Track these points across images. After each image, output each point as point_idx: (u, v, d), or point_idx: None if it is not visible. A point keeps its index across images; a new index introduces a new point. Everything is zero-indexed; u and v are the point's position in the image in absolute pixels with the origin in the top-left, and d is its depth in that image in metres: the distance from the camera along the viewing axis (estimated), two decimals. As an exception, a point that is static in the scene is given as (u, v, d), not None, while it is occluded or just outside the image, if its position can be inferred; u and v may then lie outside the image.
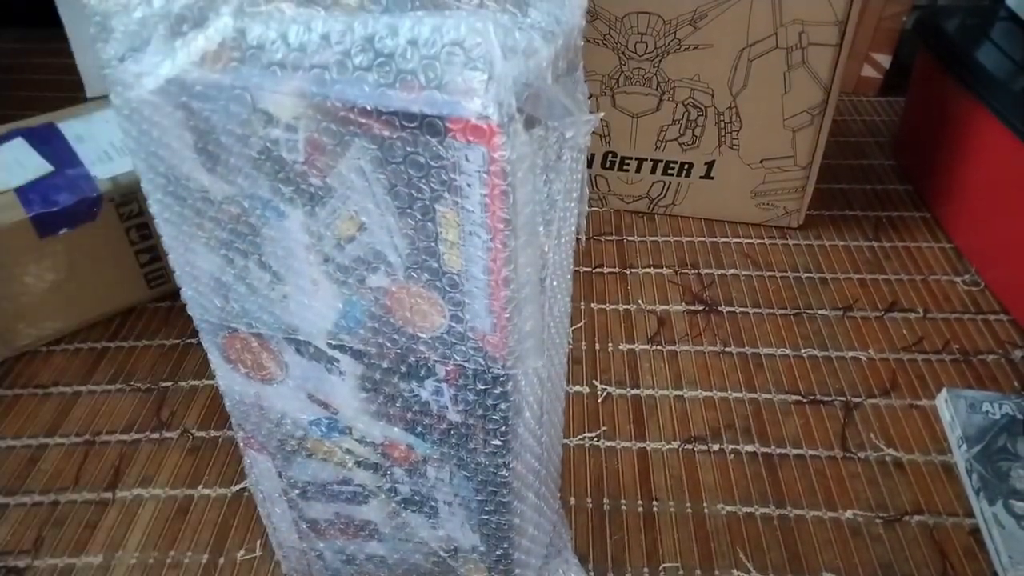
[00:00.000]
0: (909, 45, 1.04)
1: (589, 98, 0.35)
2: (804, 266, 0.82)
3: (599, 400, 0.67)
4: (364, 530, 0.47)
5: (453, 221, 0.32)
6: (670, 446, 0.63)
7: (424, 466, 0.42)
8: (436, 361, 0.37)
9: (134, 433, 0.65)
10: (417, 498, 0.44)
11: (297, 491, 0.46)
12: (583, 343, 0.73)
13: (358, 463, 0.43)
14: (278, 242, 0.35)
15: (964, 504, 0.59)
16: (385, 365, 0.38)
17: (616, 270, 0.81)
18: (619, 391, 0.68)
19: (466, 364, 0.36)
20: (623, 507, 0.59)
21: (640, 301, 0.77)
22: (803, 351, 0.72)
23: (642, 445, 0.64)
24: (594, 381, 0.69)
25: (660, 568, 0.55)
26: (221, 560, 0.56)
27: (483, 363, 0.36)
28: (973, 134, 0.79)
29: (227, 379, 0.42)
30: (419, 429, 0.40)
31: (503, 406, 0.38)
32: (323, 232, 0.34)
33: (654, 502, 0.59)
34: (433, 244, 0.33)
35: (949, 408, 0.64)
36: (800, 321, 0.75)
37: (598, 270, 0.81)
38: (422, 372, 0.38)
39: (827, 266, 0.81)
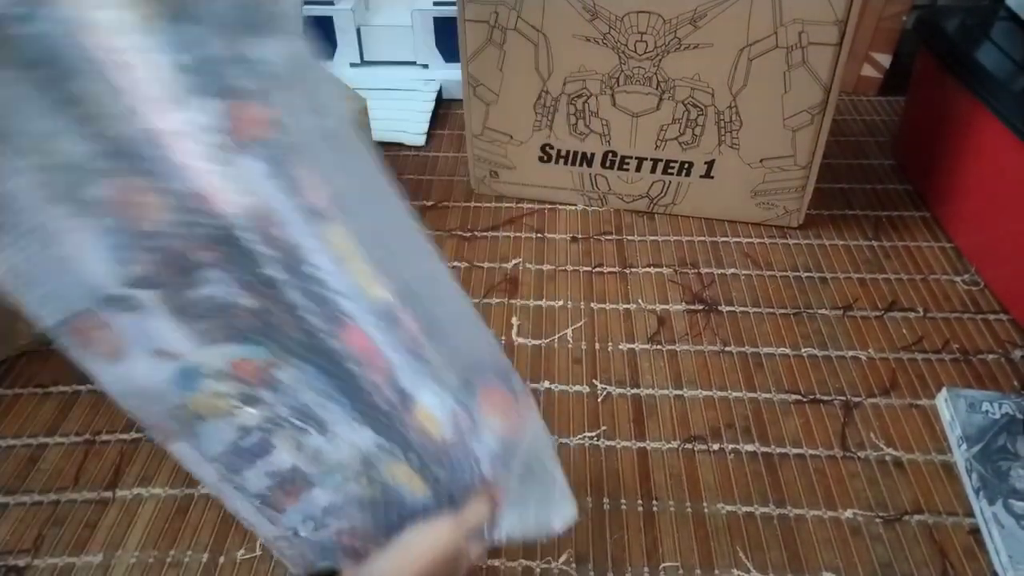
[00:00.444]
0: (909, 45, 1.04)
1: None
2: (804, 266, 0.82)
3: (599, 400, 0.67)
4: (296, 481, 0.45)
5: None
6: (670, 446, 0.63)
7: (273, 373, 0.40)
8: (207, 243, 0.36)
9: (134, 433, 0.65)
10: (298, 417, 0.42)
11: (224, 467, 0.44)
12: (583, 343, 0.73)
13: (232, 402, 0.41)
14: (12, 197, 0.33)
15: (964, 504, 0.59)
16: (172, 279, 0.37)
17: (616, 269, 0.81)
18: (619, 391, 0.68)
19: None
20: (623, 507, 0.59)
21: (640, 301, 0.77)
22: (803, 351, 0.72)
23: (642, 444, 0.64)
24: (594, 381, 0.69)
25: (660, 568, 0.55)
26: (221, 560, 0.56)
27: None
28: (973, 134, 0.79)
29: (100, 373, 0.40)
30: (240, 330, 0.38)
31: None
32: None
33: (654, 502, 0.59)
34: None
35: (949, 408, 0.64)
36: (800, 321, 0.75)
37: (598, 270, 0.81)
38: (206, 271, 0.36)
39: (827, 266, 0.81)
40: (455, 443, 0.41)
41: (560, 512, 0.44)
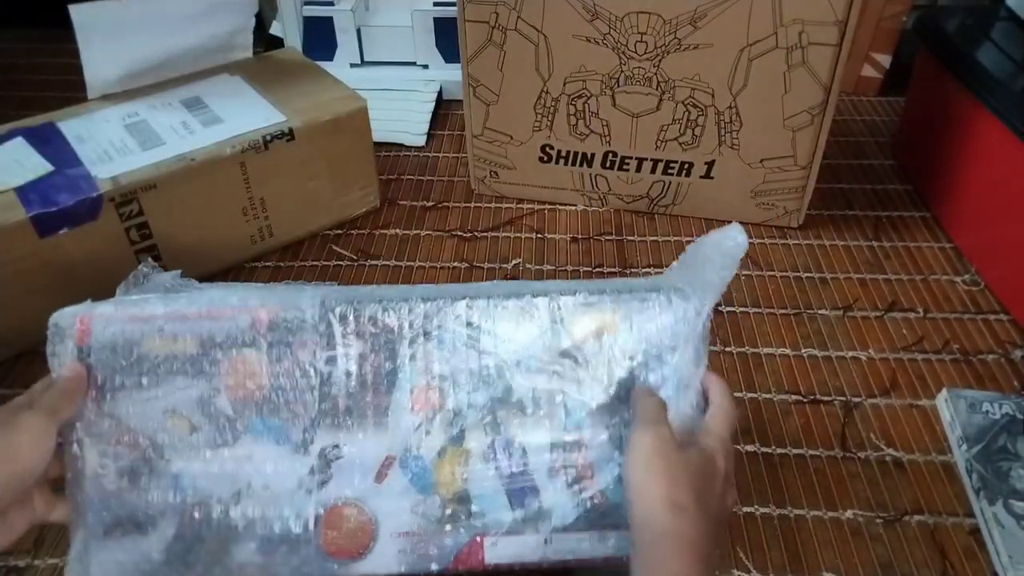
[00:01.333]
0: (909, 45, 1.04)
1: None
2: (804, 266, 0.82)
3: (599, 400, 0.67)
4: None
5: None
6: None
7: None
8: None
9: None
10: None
11: None
12: (583, 343, 0.73)
13: None
14: None
15: (964, 504, 0.59)
16: None
17: (616, 270, 0.81)
18: (619, 391, 0.68)
19: None
20: (623, 507, 0.59)
21: (640, 301, 0.77)
22: (803, 351, 0.72)
23: (642, 445, 0.63)
24: (594, 381, 0.69)
25: (660, 568, 0.55)
26: None
27: None
28: (973, 134, 0.79)
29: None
30: None
31: None
32: None
33: (654, 502, 0.59)
34: None
35: (949, 408, 0.64)
36: (800, 321, 0.75)
37: (598, 270, 0.81)
38: None
39: (827, 266, 0.81)
40: None
41: None
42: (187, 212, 0.73)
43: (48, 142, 0.72)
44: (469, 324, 0.47)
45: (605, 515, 0.47)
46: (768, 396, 0.68)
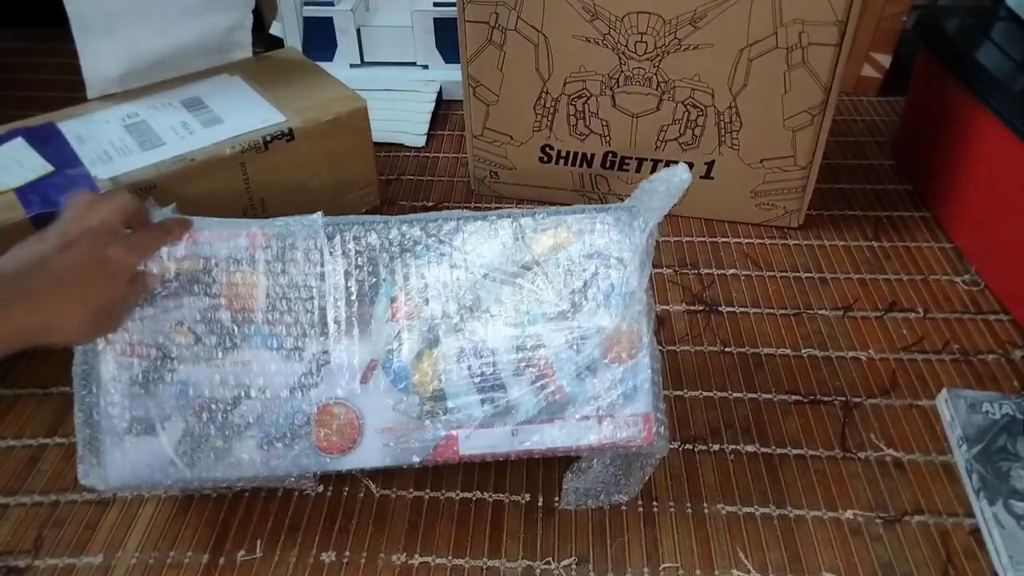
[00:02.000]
0: (909, 45, 1.04)
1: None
2: (804, 266, 0.82)
3: (599, 400, 0.67)
4: None
5: None
6: (670, 446, 0.63)
7: None
8: None
9: (134, 433, 0.65)
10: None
11: None
12: (583, 343, 0.73)
13: None
14: None
15: (964, 504, 0.59)
16: None
17: (616, 270, 0.81)
18: (619, 391, 0.68)
19: None
20: (623, 507, 0.59)
21: (640, 301, 0.77)
22: (803, 351, 0.72)
23: (642, 445, 0.63)
24: (594, 381, 0.69)
25: (660, 568, 0.55)
26: (221, 560, 0.56)
27: None
28: (973, 134, 0.79)
29: None
30: None
31: None
32: None
33: (654, 502, 0.59)
34: None
35: (949, 408, 0.64)
36: (800, 321, 0.75)
37: (598, 270, 0.81)
38: None
39: (827, 266, 0.81)
40: None
41: None
42: (187, 212, 0.73)
43: (48, 142, 0.72)
44: (441, 242, 0.54)
45: (564, 407, 0.53)
46: (768, 396, 0.68)
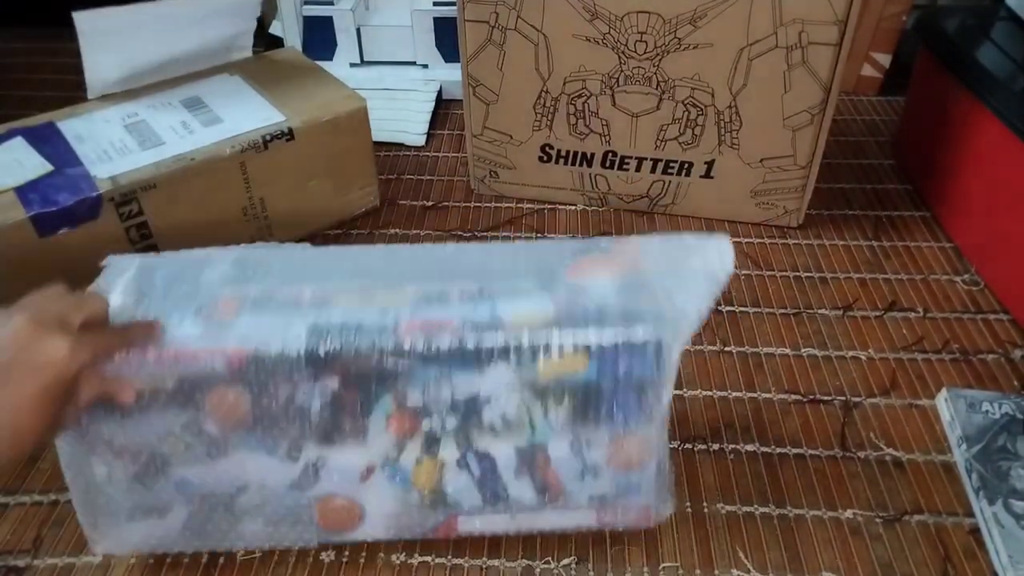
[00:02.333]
0: (909, 45, 1.04)
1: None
2: (804, 266, 0.82)
3: (599, 400, 0.67)
4: None
5: None
6: (670, 445, 0.63)
7: None
8: None
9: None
10: None
11: None
12: (583, 343, 0.73)
13: None
14: None
15: (964, 504, 0.59)
16: None
17: (616, 270, 0.81)
18: (619, 391, 0.68)
19: None
20: (623, 507, 0.59)
21: (640, 301, 0.77)
22: (803, 351, 0.72)
23: (642, 445, 0.63)
24: (594, 381, 0.69)
25: (660, 568, 0.55)
26: (221, 560, 0.56)
27: None
28: (973, 134, 0.79)
29: None
30: None
31: None
32: None
33: (654, 502, 0.59)
34: None
35: (949, 408, 0.64)
36: (800, 321, 0.75)
37: (598, 270, 0.81)
38: None
39: (827, 266, 0.81)
40: None
41: None
42: (187, 212, 0.73)
43: (48, 142, 0.72)
44: (441, 363, 0.47)
45: (565, 499, 0.53)
46: (768, 396, 0.68)
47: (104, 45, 0.75)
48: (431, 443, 0.50)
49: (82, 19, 0.73)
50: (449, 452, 0.50)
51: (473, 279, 0.51)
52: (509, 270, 0.52)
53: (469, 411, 0.49)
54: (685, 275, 0.49)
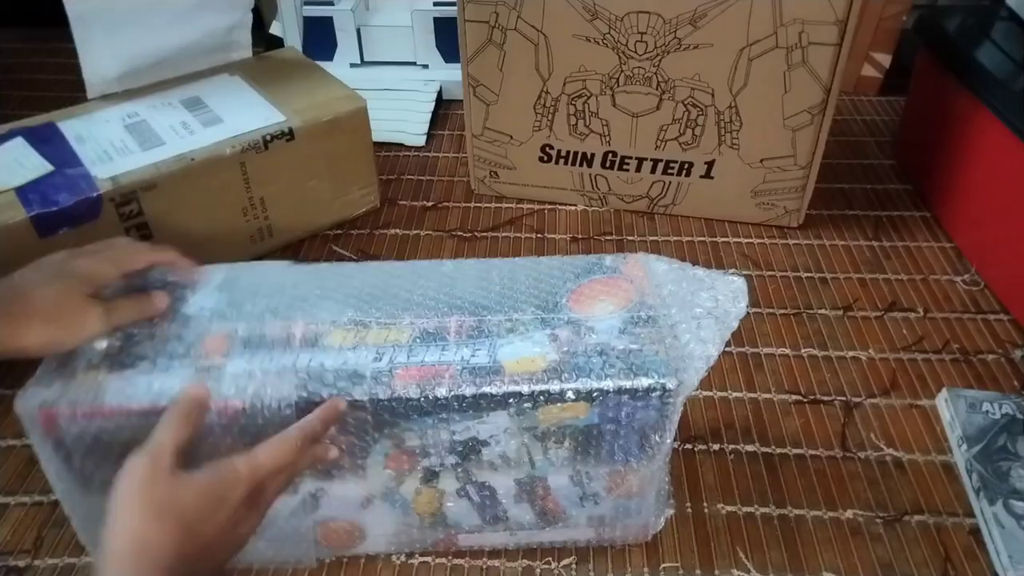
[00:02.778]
0: (909, 45, 1.04)
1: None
2: (804, 266, 0.81)
3: (599, 400, 0.67)
4: None
5: None
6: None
7: None
8: None
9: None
10: None
11: None
12: (583, 343, 0.73)
13: None
14: None
15: (964, 504, 0.59)
16: None
17: (616, 270, 0.81)
18: (619, 391, 0.68)
19: None
20: (623, 507, 0.59)
21: (640, 301, 0.77)
22: (803, 351, 0.72)
23: (642, 445, 0.63)
24: (594, 381, 0.69)
25: (660, 568, 0.55)
26: (221, 560, 0.56)
27: None
28: (973, 134, 0.79)
29: None
30: None
31: None
32: None
33: (654, 502, 0.59)
34: None
35: (949, 408, 0.64)
36: (800, 321, 0.75)
37: (598, 270, 0.81)
38: None
39: (827, 266, 0.81)
40: None
41: None
42: (187, 212, 0.73)
43: (48, 142, 0.72)
44: (442, 413, 0.46)
45: (559, 517, 0.53)
46: (768, 396, 0.67)
47: (97, 30, 0.75)
48: (430, 476, 0.50)
49: (73, 2, 0.73)
50: (449, 483, 0.50)
51: (471, 308, 0.50)
52: (508, 296, 0.51)
53: (468, 451, 0.48)
54: (694, 315, 0.48)
